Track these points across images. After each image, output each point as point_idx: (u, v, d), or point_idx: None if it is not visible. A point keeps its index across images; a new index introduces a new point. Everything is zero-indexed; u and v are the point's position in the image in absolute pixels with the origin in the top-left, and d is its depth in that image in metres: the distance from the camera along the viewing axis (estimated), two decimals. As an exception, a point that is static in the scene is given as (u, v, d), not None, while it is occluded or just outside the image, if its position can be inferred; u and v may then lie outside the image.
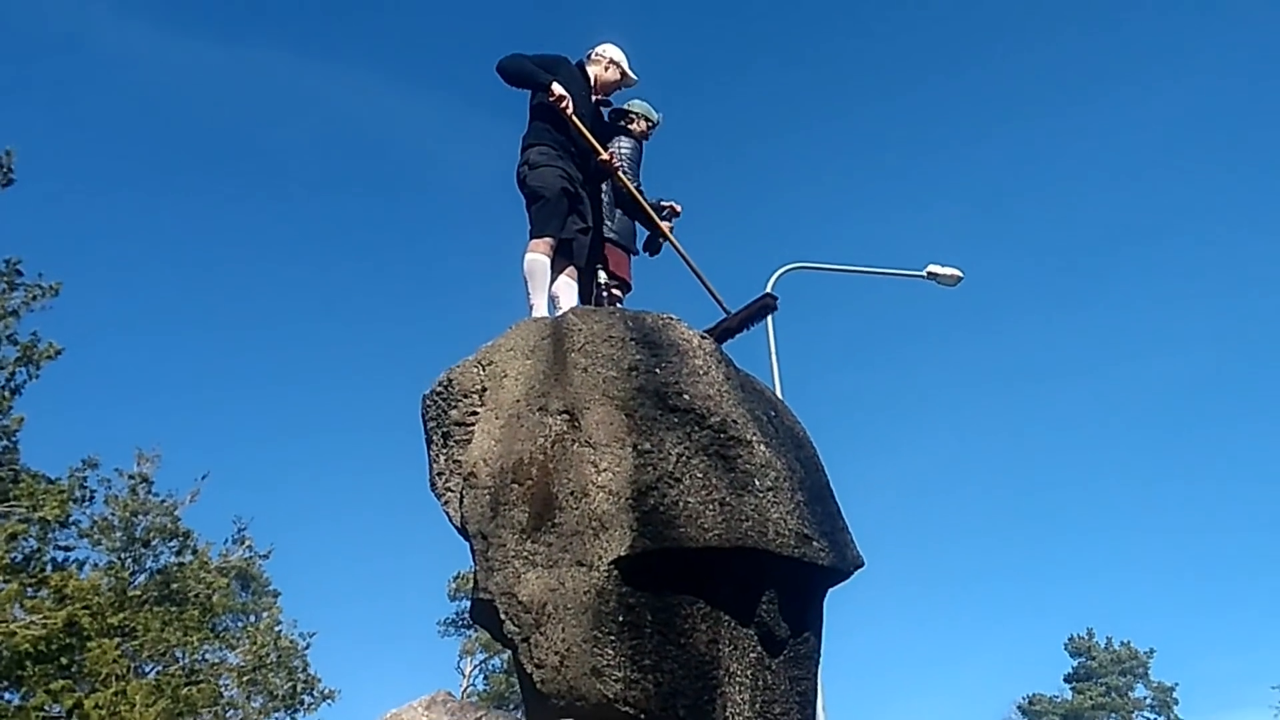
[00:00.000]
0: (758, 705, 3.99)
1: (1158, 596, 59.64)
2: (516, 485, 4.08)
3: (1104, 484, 64.82)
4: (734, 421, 4.06)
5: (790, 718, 4.11)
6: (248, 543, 23.24)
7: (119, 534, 21.05)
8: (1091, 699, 43.73)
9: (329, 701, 23.32)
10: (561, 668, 3.80)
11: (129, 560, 21.02)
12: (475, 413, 4.40)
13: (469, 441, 4.36)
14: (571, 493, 3.95)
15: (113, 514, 21.00)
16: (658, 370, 4.08)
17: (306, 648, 24.48)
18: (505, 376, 4.32)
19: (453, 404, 4.49)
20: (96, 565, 20.39)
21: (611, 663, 3.75)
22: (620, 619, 3.78)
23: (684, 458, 3.93)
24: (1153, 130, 68.17)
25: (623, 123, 6.06)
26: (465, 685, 30.37)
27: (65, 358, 16.48)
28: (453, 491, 4.42)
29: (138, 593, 19.21)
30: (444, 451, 4.51)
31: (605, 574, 3.79)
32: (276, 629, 23.39)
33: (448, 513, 4.45)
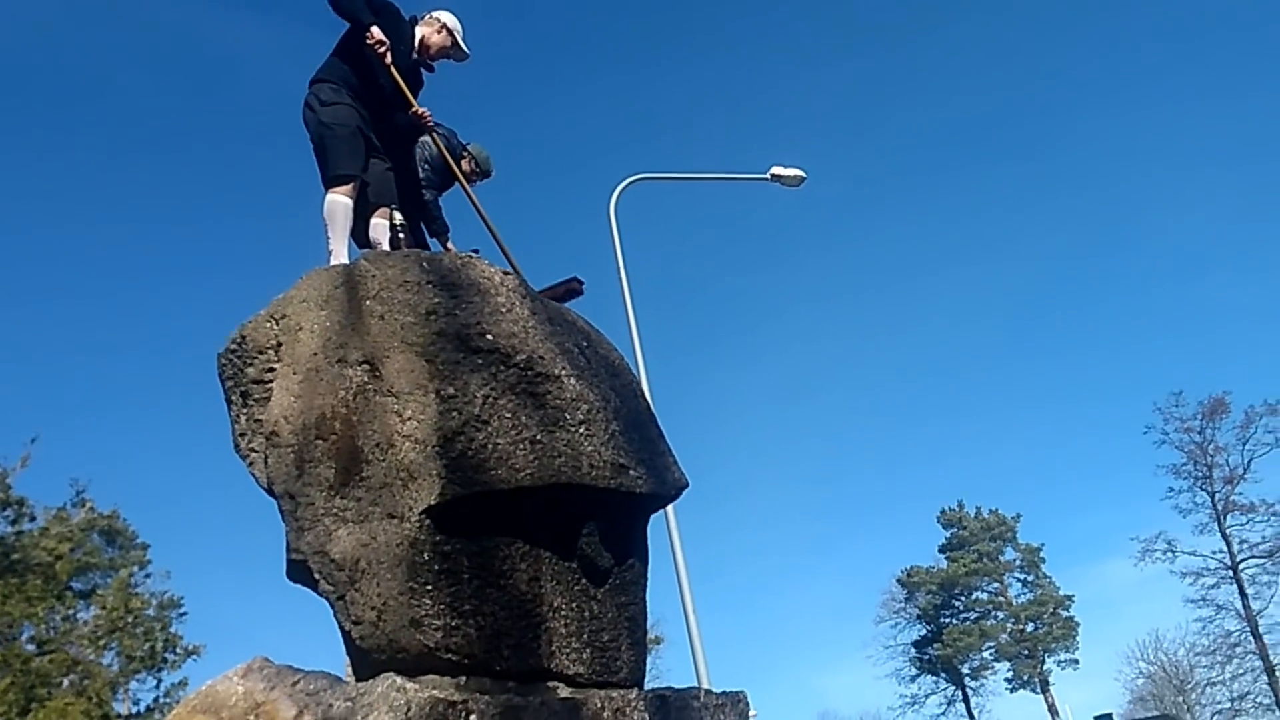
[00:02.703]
0: (585, 635, 4.03)
1: (1022, 465, 63.56)
2: (320, 441, 3.95)
3: (961, 366, 68.02)
4: (541, 357, 4.00)
5: (620, 642, 4.16)
6: (89, 504, 22.33)
7: (-53, 507, 19.90)
8: (965, 566, 46.56)
9: (194, 657, 22.86)
10: (379, 622, 3.74)
11: (-39, 533, 19.91)
12: (272, 369, 4.22)
13: (269, 399, 4.19)
14: (377, 444, 3.84)
15: (-64, 487, 19.83)
16: (458, 312, 3.96)
17: (179, 604, 23.85)
18: (300, 330, 4.14)
19: (248, 361, 4.29)
20: (-75, 542, 19.31)
21: (430, 612, 3.71)
22: (436, 568, 3.73)
23: (490, 399, 3.86)
24: (997, 22, 69.93)
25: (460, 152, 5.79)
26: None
27: None
28: (257, 452, 4.26)
29: (-28, 567, 18.26)
30: (244, 411, 4.33)
31: (417, 524, 3.72)
32: (130, 589, 22.65)
33: (254, 474, 4.29)
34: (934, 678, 47.27)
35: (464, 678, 3.74)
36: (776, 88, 74.05)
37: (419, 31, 5.63)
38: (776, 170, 15.65)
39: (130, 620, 20.70)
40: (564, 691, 3.89)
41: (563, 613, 3.97)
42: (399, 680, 3.51)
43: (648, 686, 4.28)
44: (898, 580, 48.47)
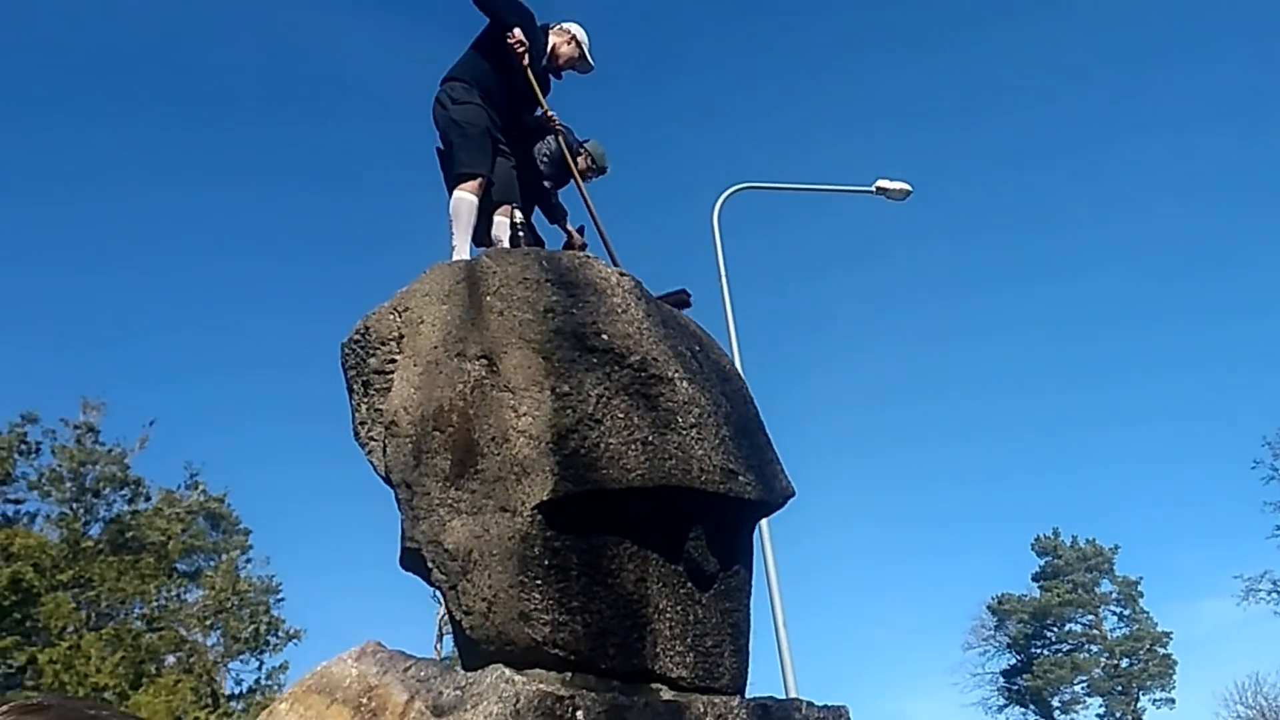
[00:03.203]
0: (689, 639, 4.02)
1: (1121, 495, 61.54)
2: (438, 432, 4.03)
3: (1062, 388, 66.20)
4: (655, 359, 4.02)
5: (723, 648, 4.15)
6: (201, 487, 23.17)
7: (69, 485, 20.84)
8: (1059, 596, 45.28)
9: (295, 641, 23.53)
10: (489, 613, 3.79)
11: (81, 510, 20.83)
12: (394, 360, 4.33)
13: (389, 389, 4.29)
14: (492, 438, 3.90)
15: (60, 465, 20.77)
16: (575, 311, 4.01)
17: (277, 589, 24.65)
18: (422, 322, 4.24)
19: (371, 352, 4.41)
20: (49, 517, 20.27)
21: (539, 606, 3.75)
22: (546, 563, 3.77)
23: (604, 398, 3.89)
24: (1098, 36, 68.04)
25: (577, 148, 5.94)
26: (441, 613, 30.58)
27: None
28: (376, 440, 4.36)
29: (90, 543, 19.07)
30: (365, 400, 4.45)
31: (529, 519, 3.77)
32: (236, 572, 23.42)
33: (372, 462, 4.40)
34: (1022, 709, 46.09)
35: (570, 674, 3.77)
36: (884, 99, 73.17)
37: (551, 40, 5.76)
38: (882, 183, 15.47)
39: (236, 602, 21.41)
40: (667, 694, 3.89)
41: (668, 615, 3.98)
42: (507, 672, 3.56)
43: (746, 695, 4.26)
44: (988, 607, 47.40)
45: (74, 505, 20.80)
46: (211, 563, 24.93)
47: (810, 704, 4.31)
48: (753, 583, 4.45)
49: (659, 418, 3.96)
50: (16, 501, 18.84)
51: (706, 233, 13.93)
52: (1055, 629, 46.54)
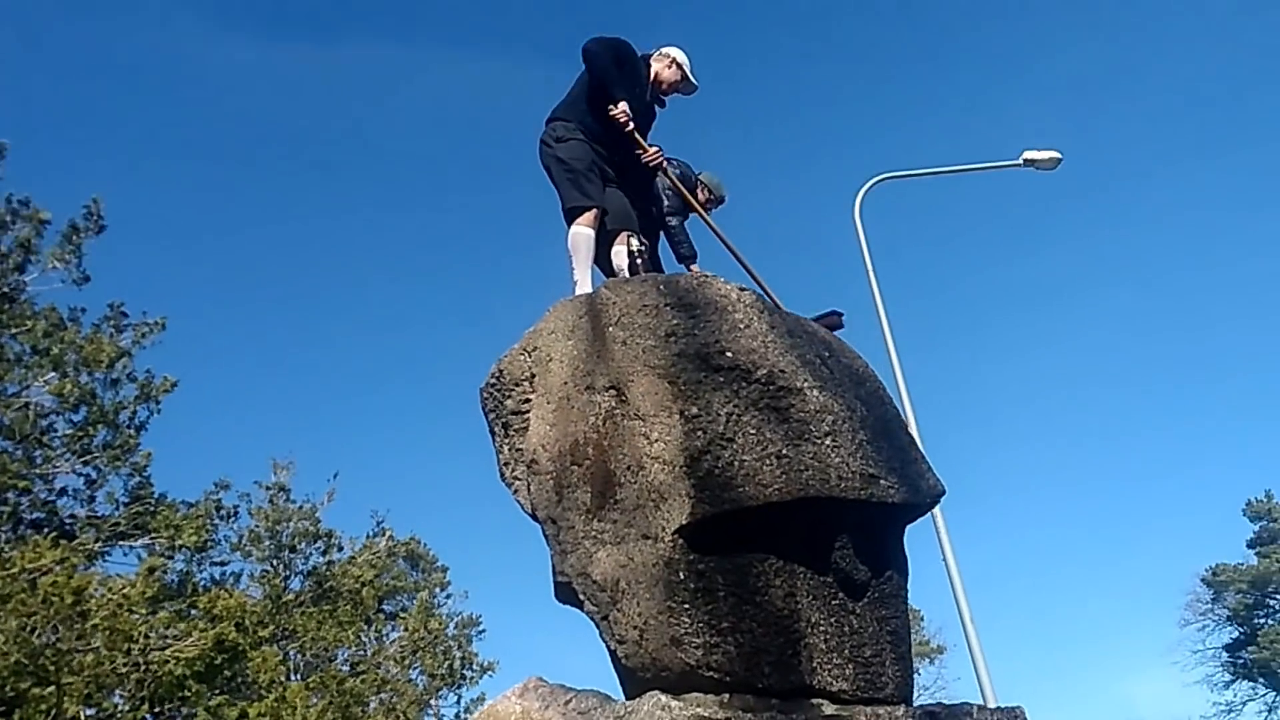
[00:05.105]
0: (846, 651, 3.96)
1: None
2: (576, 467, 4.11)
3: (1260, 344, 62.14)
4: (782, 371, 3.99)
5: (883, 657, 4.07)
6: (388, 533, 24.17)
7: (267, 543, 22.03)
8: (1279, 562, 42.53)
9: (489, 674, 24.27)
10: (642, 641, 3.83)
11: (280, 566, 22.00)
12: (528, 400, 4.43)
13: (527, 429, 4.40)
14: (628, 467, 3.95)
15: (258, 525, 21.99)
16: (696, 332, 4.02)
17: (477, 622, 25.56)
18: (550, 360, 4.33)
19: (506, 394, 4.53)
20: (253, 575, 21.52)
21: (689, 630, 3.76)
22: (692, 586, 3.78)
23: (734, 416, 3.88)
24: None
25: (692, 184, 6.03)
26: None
27: (181, 388, 17.20)
28: (520, 480, 4.47)
29: (292, 596, 20.15)
30: (506, 441, 4.57)
31: (671, 544, 3.79)
32: (429, 610, 24.32)
33: (519, 501, 4.51)
34: (1251, 684, 43.22)
35: (727, 695, 3.75)
36: (1019, 69, 70.53)
37: (653, 68, 5.84)
38: (1029, 155, 14.93)
39: (430, 640, 22.20)
40: (829, 709, 3.83)
41: (821, 628, 3.93)
42: (664, 698, 3.59)
43: (924, 700, 4.16)
44: (1202, 579, 44.72)
45: (273, 562, 21.97)
46: (414, 601, 26.01)
47: (982, 707, 4.17)
48: (909, 587, 4.35)
49: (792, 429, 3.93)
50: (221, 564, 20.09)
51: (850, 228, 13.73)
52: (1278, 597, 43.59)
